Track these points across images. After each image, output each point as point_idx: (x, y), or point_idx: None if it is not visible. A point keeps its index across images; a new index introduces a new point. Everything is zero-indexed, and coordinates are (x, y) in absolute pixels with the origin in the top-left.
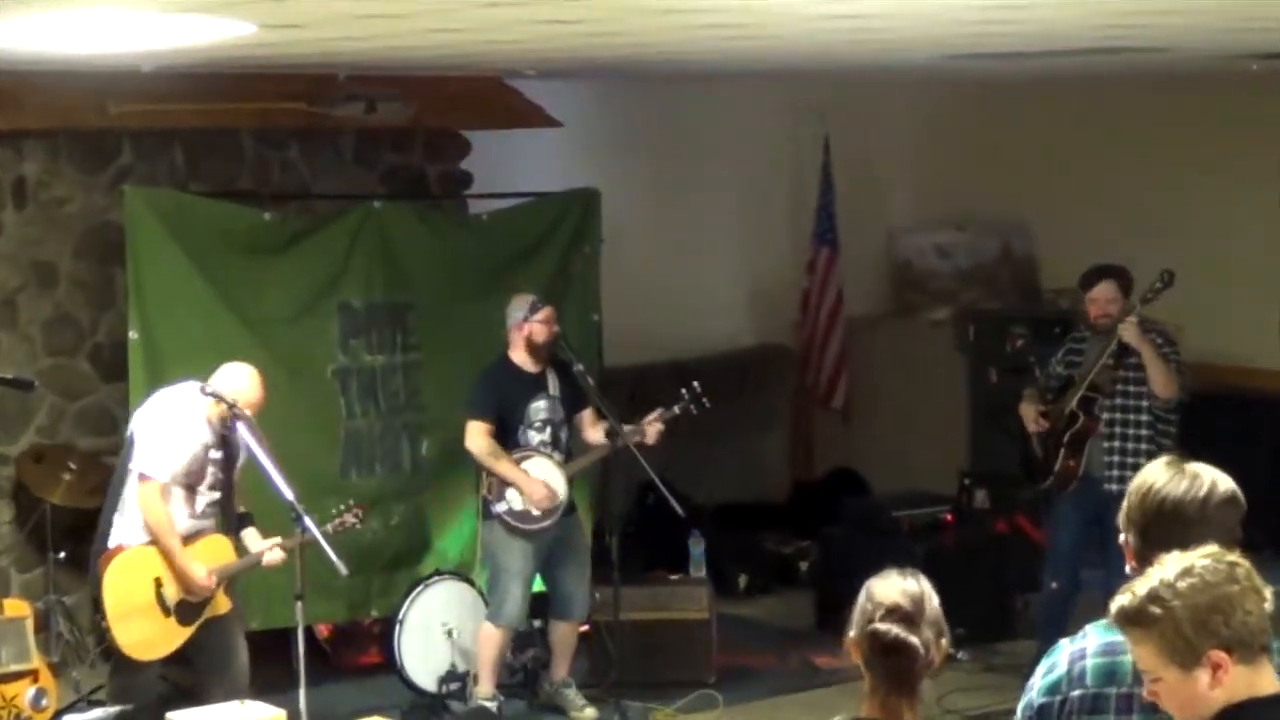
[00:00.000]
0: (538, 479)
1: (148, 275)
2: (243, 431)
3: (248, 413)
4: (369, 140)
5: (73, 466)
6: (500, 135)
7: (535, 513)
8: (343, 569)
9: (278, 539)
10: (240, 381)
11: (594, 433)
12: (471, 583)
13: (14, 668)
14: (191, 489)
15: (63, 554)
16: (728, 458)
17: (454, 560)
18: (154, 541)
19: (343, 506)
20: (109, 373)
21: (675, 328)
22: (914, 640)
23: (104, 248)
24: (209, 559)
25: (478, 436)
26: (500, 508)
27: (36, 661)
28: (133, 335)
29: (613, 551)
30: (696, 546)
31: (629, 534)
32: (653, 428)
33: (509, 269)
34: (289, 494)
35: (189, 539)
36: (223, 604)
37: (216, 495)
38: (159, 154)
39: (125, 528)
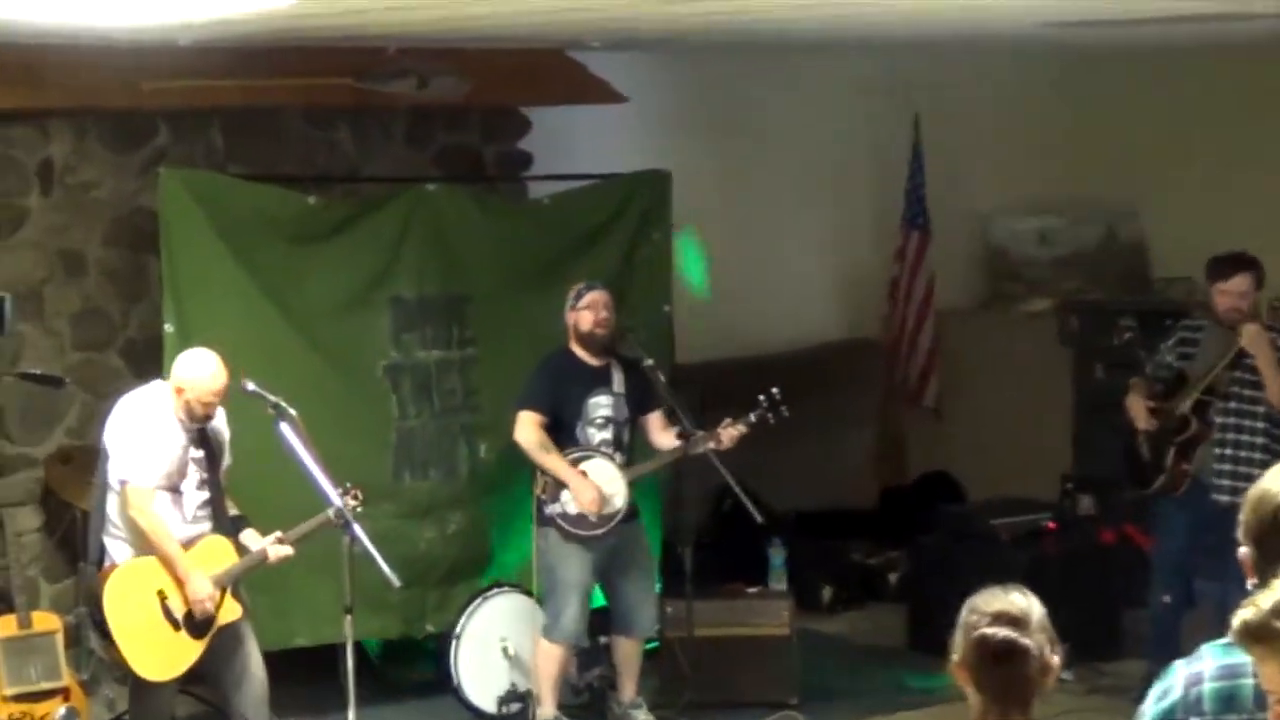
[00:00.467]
0: (590, 481)
1: (183, 264)
2: (286, 432)
3: (292, 412)
4: (421, 118)
5: None
6: (562, 112)
7: (592, 517)
8: (394, 580)
9: (277, 533)
10: (199, 368)
11: (664, 437)
12: (533, 595)
13: (44, 685)
14: (176, 491)
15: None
16: (810, 461)
17: (515, 571)
18: (150, 551)
19: (340, 490)
20: (142, 368)
21: (752, 321)
22: (1026, 641)
23: (136, 235)
24: (210, 562)
25: (527, 428)
26: (554, 509)
27: (67, 679)
28: (168, 328)
29: (686, 562)
30: (777, 557)
31: (703, 544)
32: (728, 432)
33: (572, 257)
34: (336, 499)
35: (185, 545)
36: (233, 609)
37: (205, 495)
38: (196, 134)
39: (117, 547)
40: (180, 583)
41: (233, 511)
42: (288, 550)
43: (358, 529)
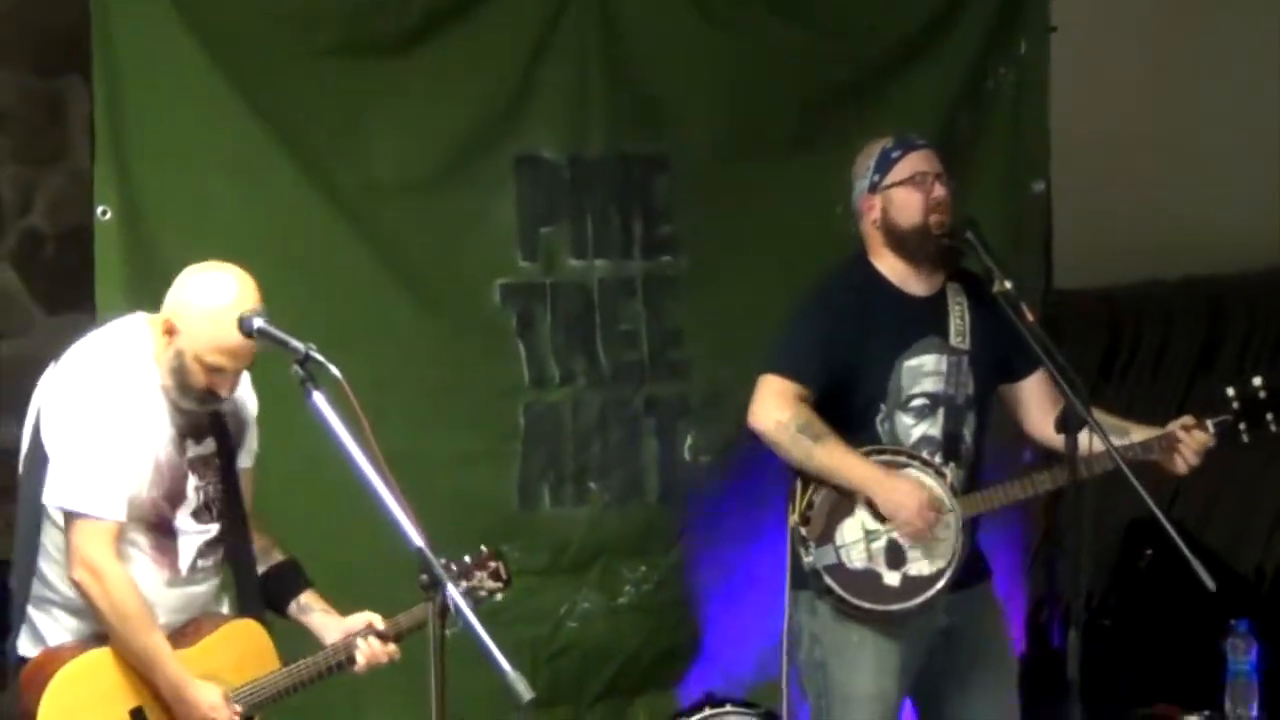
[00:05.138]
0: (899, 477)
1: (136, 95)
2: (323, 408)
3: (334, 371)
4: None
5: None
6: None
7: (889, 579)
8: (523, 690)
9: (368, 615)
10: (208, 298)
11: (1050, 425)
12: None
13: None
14: (162, 527)
15: None
16: None
17: (749, 676)
18: (114, 637)
19: (468, 558)
20: (54, 291)
21: (1192, 218)
22: None
23: (48, 40)
24: (225, 663)
25: (774, 403)
26: (823, 557)
27: None
28: (103, 214)
29: (1070, 660)
30: (1239, 656)
31: (1101, 628)
32: (1193, 440)
33: (862, 90)
34: (417, 539)
35: (180, 634)
36: None
37: (213, 531)
38: None
39: (55, 624)
40: (164, 698)
41: (273, 557)
42: (390, 650)
43: (457, 596)
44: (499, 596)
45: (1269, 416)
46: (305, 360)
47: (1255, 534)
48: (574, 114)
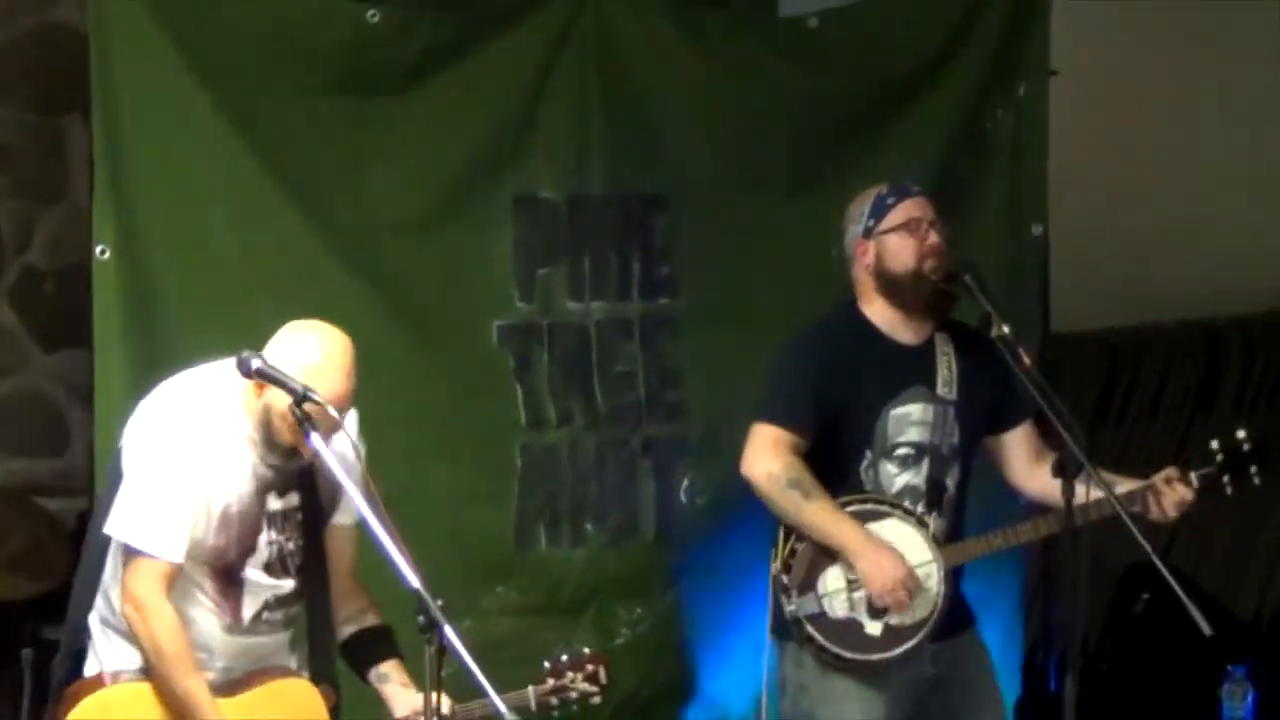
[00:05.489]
0: (884, 547)
1: (135, 133)
2: (319, 447)
3: (332, 412)
4: None
5: None
6: None
7: (871, 628)
8: None
9: (447, 702)
10: (307, 356)
11: (1037, 476)
12: None
13: None
14: (227, 575)
15: None
16: None
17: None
18: (155, 674)
19: (565, 656)
20: (52, 330)
21: (1189, 261)
22: None
23: (46, 81)
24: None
25: (767, 453)
26: (804, 607)
27: None
28: (101, 254)
29: (1067, 705)
30: (1236, 701)
31: (1098, 672)
32: (1173, 493)
33: (861, 131)
34: (414, 580)
35: (231, 683)
36: None
37: (286, 586)
38: None
39: (112, 648)
40: None
41: (366, 621)
42: None
43: (452, 634)
44: (595, 700)
45: (1253, 469)
46: (301, 398)
47: (1252, 578)
48: (573, 153)
